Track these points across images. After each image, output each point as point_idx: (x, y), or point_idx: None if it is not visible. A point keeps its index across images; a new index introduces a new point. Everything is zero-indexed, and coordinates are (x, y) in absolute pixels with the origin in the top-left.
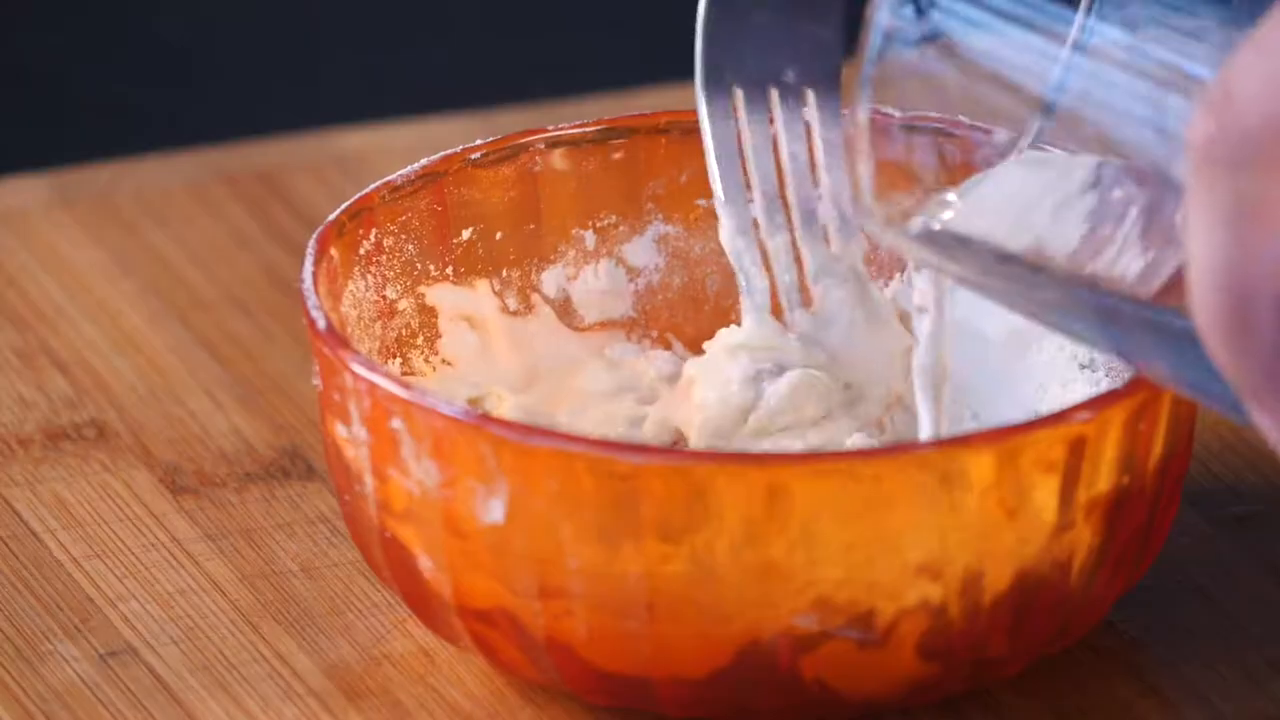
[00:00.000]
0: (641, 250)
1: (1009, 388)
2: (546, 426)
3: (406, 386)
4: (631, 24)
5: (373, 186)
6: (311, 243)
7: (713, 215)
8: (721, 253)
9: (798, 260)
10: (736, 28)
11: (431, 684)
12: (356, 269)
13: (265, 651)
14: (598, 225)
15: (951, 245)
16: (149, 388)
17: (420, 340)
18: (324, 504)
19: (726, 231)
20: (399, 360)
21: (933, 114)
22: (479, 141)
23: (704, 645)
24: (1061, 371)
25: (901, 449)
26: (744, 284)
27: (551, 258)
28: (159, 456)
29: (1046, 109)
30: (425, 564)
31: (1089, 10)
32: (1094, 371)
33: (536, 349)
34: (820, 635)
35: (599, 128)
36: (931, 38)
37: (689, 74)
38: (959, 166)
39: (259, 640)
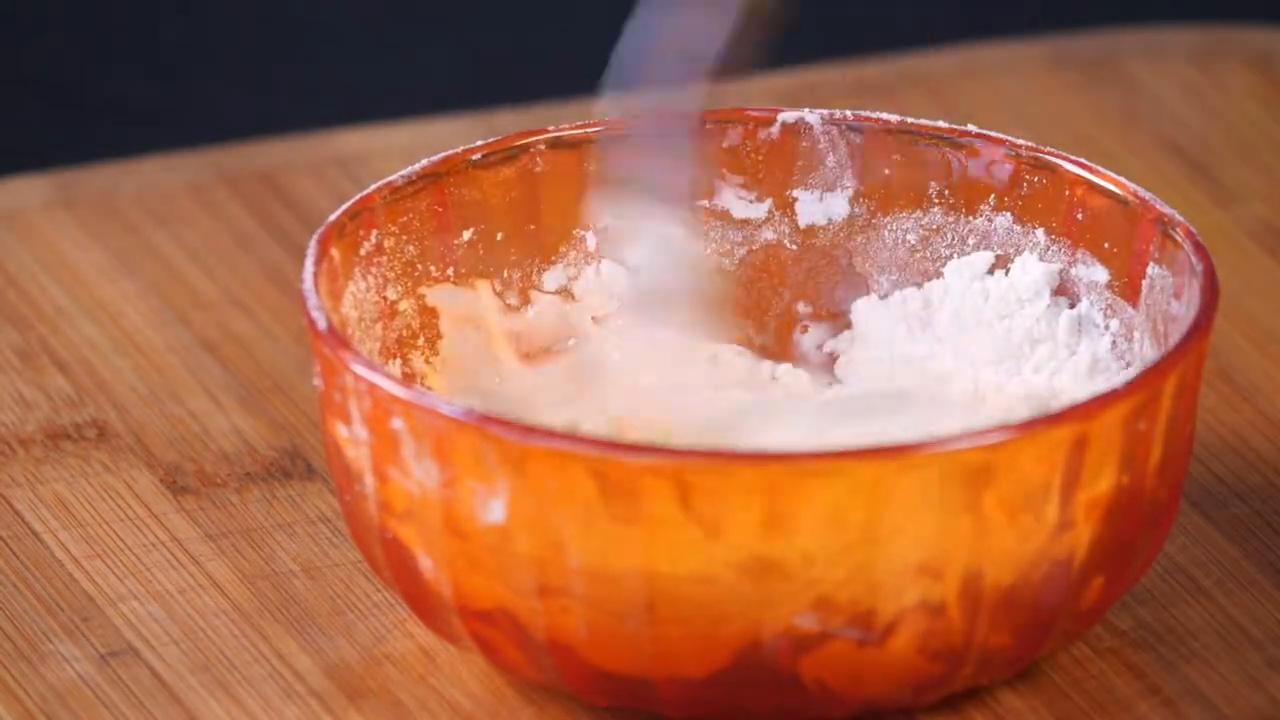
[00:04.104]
0: (643, 251)
1: (1007, 387)
2: (546, 427)
3: (407, 386)
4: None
5: (373, 187)
6: (312, 243)
7: (713, 216)
8: (723, 253)
9: None
10: None
11: (432, 684)
12: (357, 270)
13: (266, 651)
14: (598, 226)
15: None
16: (149, 388)
17: (421, 341)
18: (324, 504)
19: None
20: (400, 361)
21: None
22: (479, 142)
23: (704, 645)
24: (1060, 370)
25: (902, 449)
26: None
27: (552, 258)
28: (159, 456)
29: None
30: (425, 564)
31: None
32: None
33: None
34: (820, 635)
35: (599, 128)
36: None
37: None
38: None
39: (260, 640)
